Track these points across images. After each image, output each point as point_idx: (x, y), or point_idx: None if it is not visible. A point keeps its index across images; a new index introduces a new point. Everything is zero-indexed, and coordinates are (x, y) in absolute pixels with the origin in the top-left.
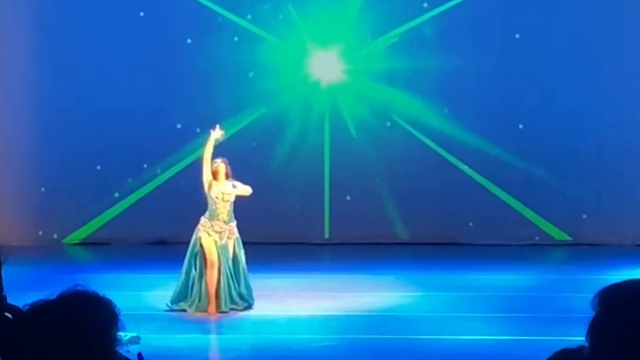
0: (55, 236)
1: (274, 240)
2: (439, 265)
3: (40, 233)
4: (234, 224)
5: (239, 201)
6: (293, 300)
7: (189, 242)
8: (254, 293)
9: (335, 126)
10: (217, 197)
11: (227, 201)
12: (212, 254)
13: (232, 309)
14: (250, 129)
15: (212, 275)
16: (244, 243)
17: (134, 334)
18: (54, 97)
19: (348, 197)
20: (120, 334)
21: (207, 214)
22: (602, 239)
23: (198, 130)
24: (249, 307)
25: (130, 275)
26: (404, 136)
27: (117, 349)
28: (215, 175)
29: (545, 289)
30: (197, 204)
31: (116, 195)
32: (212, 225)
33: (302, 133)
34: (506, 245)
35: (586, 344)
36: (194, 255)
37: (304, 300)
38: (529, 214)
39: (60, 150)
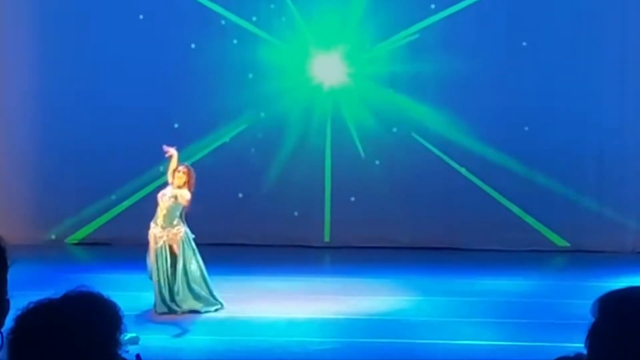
0: (53, 236)
1: (274, 243)
2: (438, 270)
3: (40, 232)
4: (175, 229)
5: (243, 202)
6: (293, 302)
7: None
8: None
9: (337, 129)
10: (159, 199)
11: (165, 207)
12: (151, 257)
13: (166, 313)
14: (251, 131)
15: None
16: (244, 245)
17: (133, 335)
18: (55, 98)
19: (353, 198)
20: None
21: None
22: (602, 245)
23: (199, 131)
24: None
25: (130, 276)
26: (406, 140)
27: (119, 351)
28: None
29: (545, 295)
30: (198, 205)
31: (113, 197)
32: (153, 227)
33: (303, 135)
34: (506, 250)
35: (584, 351)
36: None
37: (303, 303)
38: (529, 219)
39: (61, 149)
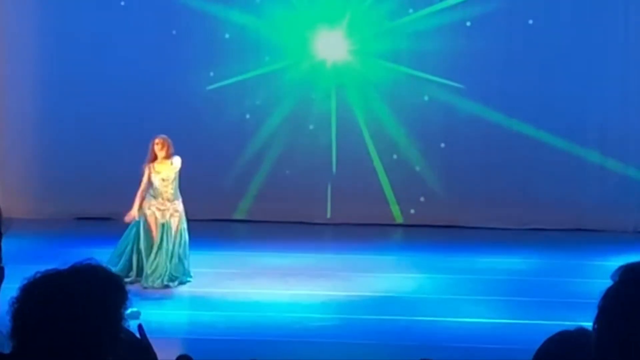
0: (54, 211)
1: (276, 219)
2: (440, 248)
3: (41, 207)
4: (178, 201)
5: (245, 179)
6: (294, 279)
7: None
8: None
9: (340, 106)
10: (159, 183)
11: (169, 181)
12: (155, 232)
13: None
14: (253, 107)
15: (153, 254)
16: (251, 221)
17: (135, 309)
18: (54, 76)
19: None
20: None
21: (151, 191)
22: (604, 225)
23: (199, 105)
24: (182, 283)
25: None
26: (408, 117)
27: (124, 325)
28: (154, 158)
29: (546, 274)
30: (200, 182)
31: (116, 172)
32: (156, 204)
33: (306, 112)
34: (508, 229)
35: (594, 318)
36: (135, 232)
37: (304, 280)
38: (532, 198)
39: (63, 125)
